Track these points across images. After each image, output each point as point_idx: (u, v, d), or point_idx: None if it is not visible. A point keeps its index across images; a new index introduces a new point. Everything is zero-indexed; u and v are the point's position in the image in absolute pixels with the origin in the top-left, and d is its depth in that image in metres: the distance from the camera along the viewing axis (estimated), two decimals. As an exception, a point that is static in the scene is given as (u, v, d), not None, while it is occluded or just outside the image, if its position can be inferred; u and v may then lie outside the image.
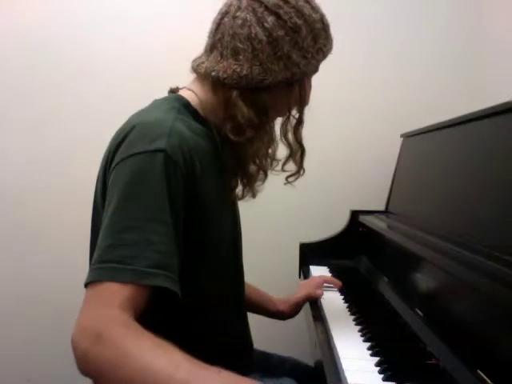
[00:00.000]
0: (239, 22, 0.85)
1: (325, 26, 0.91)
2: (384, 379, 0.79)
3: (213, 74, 0.87)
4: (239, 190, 0.98)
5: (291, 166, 0.98)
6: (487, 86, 1.74)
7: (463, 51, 1.86)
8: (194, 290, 0.84)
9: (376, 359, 0.86)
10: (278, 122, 0.97)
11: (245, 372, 0.68)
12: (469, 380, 0.73)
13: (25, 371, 1.91)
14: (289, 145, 0.95)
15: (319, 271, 1.52)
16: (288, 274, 1.71)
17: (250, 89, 0.86)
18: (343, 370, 0.82)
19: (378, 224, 1.45)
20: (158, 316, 0.75)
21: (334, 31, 0.94)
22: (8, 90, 1.88)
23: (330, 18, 0.93)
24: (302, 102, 0.93)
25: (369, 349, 0.92)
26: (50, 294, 1.88)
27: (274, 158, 0.97)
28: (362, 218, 1.62)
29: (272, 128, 0.94)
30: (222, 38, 0.87)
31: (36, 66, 1.87)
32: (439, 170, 1.24)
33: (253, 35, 0.84)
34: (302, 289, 1.29)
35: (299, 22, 0.85)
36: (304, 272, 1.58)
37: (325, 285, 1.32)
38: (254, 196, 1.00)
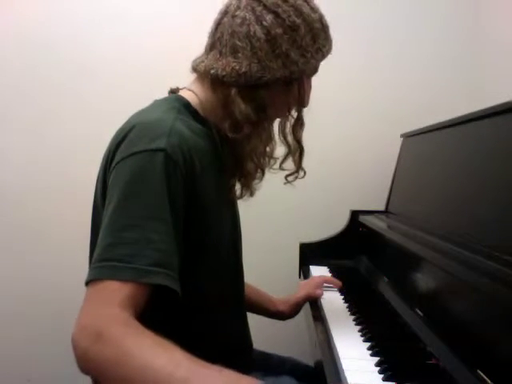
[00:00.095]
0: (238, 20, 0.86)
1: (324, 27, 0.91)
2: (384, 379, 0.79)
3: (212, 71, 0.87)
4: (237, 188, 0.98)
5: (291, 166, 0.98)
6: (486, 86, 1.74)
7: (462, 51, 1.86)
8: (194, 289, 0.84)
9: (376, 359, 0.86)
10: (278, 121, 0.97)
11: (245, 372, 0.67)
12: (469, 380, 0.73)
13: (25, 371, 1.91)
14: (287, 143, 0.96)
15: (319, 271, 1.52)
16: (288, 274, 1.71)
17: (249, 86, 0.86)
18: (343, 370, 0.82)
19: (378, 224, 1.45)
20: (158, 316, 0.75)
21: (334, 31, 0.94)
22: (8, 90, 1.88)
23: (329, 18, 0.93)
24: (301, 101, 0.93)
25: (369, 349, 0.92)
26: (49, 294, 1.88)
27: (271, 157, 0.97)
28: (362, 218, 1.62)
29: (270, 126, 0.94)
30: (221, 37, 0.88)
31: (36, 66, 1.87)
32: (439, 170, 1.24)
33: (251, 33, 0.85)
34: (301, 289, 1.29)
35: (298, 20, 0.86)
36: (304, 272, 1.58)
37: (325, 285, 1.32)
38: (251, 194, 1.00)
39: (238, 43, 0.85)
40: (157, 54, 1.84)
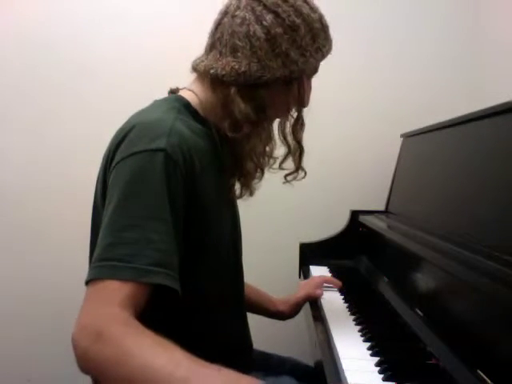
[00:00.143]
0: (238, 20, 0.86)
1: (324, 27, 0.91)
2: (384, 379, 0.79)
3: (211, 71, 0.87)
4: (237, 188, 0.98)
5: (291, 165, 0.98)
6: (486, 86, 1.74)
7: (462, 51, 1.86)
8: (194, 289, 0.84)
9: (376, 359, 0.86)
10: (277, 120, 0.97)
11: (244, 372, 0.67)
12: (469, 380, 0.73)
13: (25, 371, 1.91)
14: (287, 143, 0.96)
15: (319, 271, 1.52)
16: (288, 274, 1.71)
17: (248, 86, 0.86)
18: (343, 370, 0.82)
19: (378, 224, 1.45)
20: (158, 315, 0.75)
21: (334, 32, 0.94)
22: (8, 90, 1.88)
23: (329, 18, 0.93)
24: (301, 101, 0.93)
25: (369, 349, 0.92)
26: (49, 294, 1.88)
27: (271, 156, 0.97)
28: (362, 218, 1.62)
29: (270, 126, 0.94)
30: (221, 37, 0.88)
31: (36, 66, 1.87)
32: (439, 170, 1.24)
33: (251, 33, 0.85)
34: (301, 289, 1.29)
35: (297, 20, 0.86)
36: (304, 272, 1.58)
37: (325, 285, 1.32)
38: (251, 194, 1.00)
39: (238, 43, 0.85)
40: (157, 53, 1.84)
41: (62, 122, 1.89)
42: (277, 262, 1.87)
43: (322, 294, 1.26)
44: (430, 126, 1.38)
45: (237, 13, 0.87)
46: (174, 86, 0.97)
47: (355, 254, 1.67)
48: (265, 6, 0.86)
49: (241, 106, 0.85)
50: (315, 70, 0.95)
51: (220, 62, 0.87)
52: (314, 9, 0.90)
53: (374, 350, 0.90)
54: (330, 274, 1.50)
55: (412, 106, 1.84)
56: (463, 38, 1.86)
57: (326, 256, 1.66)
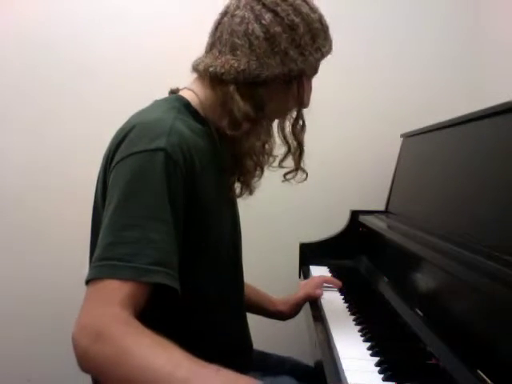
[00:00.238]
0: (237, 19, 0.87)
1: (323, 27, 0.91)
2: (384, 379, 0.79)
3: (210, 69, 0.87)
4: (237, 186, 0.98)
5: (291, 164, 0.98)
6: (486, 86, 1.74)
7: (462, 51, 1.86)
8: (194, 289, 0.84)
9: (376, 359, 0.86)
10: (278, 120, 0.97)
11: (244, 372, 0.67)
12: (469, 380, 0.73)
13: (25, 371, 1.91)
14: (286, 142, 0.96)
15: (319, 271, 1.52)
16: (288, 274, 1.71)
17: (247, 84, 0.86)
18: (343, 370, 0.82)
19: (378, 224, 1.45)
20: (157, 315, 0.75)
21: (334, 32, 0.94)
22: (8, 90, 1.88)
23: (329, 18, 0.93)
24: (301, 101, 0.93)
25: (369, 349, 0.92)
26: (49, 294, 1.88)
27: (271, 155, 0.97)
28: (362, 218, 1.62)
29: (269, 124, 0.94)
30: (220, 36, 0.89)
31: (36, 66, 1.87)
32: (439, 170, 1.24)
33: (250, 31, 0.85)
34: (301, 289, 1.29)
35: (297, 19, 0.86)
36: (304, 272, 1.58)
37: (325, 285, 1.32)
38: (251, 193, 1.00)
39: (237, 41, 0.86)
40: (157, 53, 1.84)
41: (62, 122, 1.89)
42: (277, 262, 1.87)
43: (321, 294, 1.26)
44: (430, 126, 1.38)
45: (236, 12, 0.88)
46: (174, 86, 0.97)
47: (355, 253, 1.66)
48: (264, 5, 0.86)
49: (240, 104, 0.86)
50: (315, 71, 0.95)
51: (219, 61, 0.87)
52: (313, 9, 0.90)
53: (374, 350, 0.90)
54: (329, 274, 1.50)
55: (412, 105, 1.84)
56: (463, 38, 1.86)
57: (326, 256, 1.66)
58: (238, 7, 0.88)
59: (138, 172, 0.76)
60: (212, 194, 0.87)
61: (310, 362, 1.15)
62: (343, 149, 1.89)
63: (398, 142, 1.70)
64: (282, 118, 0.96)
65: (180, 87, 0.96)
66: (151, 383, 0.62)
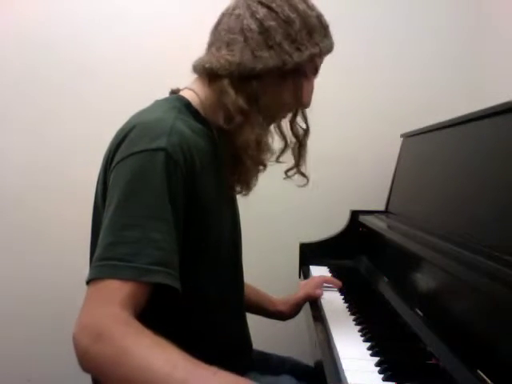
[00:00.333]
0: (234, 17, 0.89)
1: (322, 24, 0.91)
2: (384, 379, 0.79)
3: (207, 66, 0.88)
4: (236, 185, 0.98)
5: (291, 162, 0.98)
6: (486, 86, 1.74)
7: (462, 51, 1.86)
8: (194, 289, 0.84)
9: (376, 359, 0.86)
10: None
11: (244, 372, 0.68)
12: (469, 380, 0.73)
13: (25, 371, 1.91)
14: (283, 138, 0.96)
15: (319, 271, 1.52)
16: (288, 274, 1.71)
17: (242, 77, 0.86)
18: (343, 370, 0.82)
19: (378, 224, 1.45)
20: (158, 316, 0.75)
21: (334, 32, 0.94)
22: (8, 90, 1.88)
23: (329, 18, 0.93)
24: (298, 99, 0.92)
25: (369, 349, 0.92)
26: (50, 294, 1.88)
27: (269, 151, 0.95)
28: (362, 218, 1.62)
29: (266, 120, 0.93)
30: (218, 35, 0.90)
31: (36, 66, 1.87)
32: (439, 170, 1.24)
33: (245, 26, 0.87)
34: (301, 289, 1.29)
35: (292, 15, 0.87)
36: (304, 272, 1.58)
37: (325, 285, 1.32)
38: (249, 189, 0.99)
39: (233, 37, 0.87)
40: (157, 53, 1.84)
41: (62, 122, 1.89)
42: (277, 262, 1.87)
43: (321, 294, 1.26)
44: (430, 126, 1.38)
45: (234, 11, 0.90)
46: (174, 86, 0.97)
47: (355, 253, 1.66)
48: (260, 2, 0.88)
49: (232, 97, 0.86)
50: (315, 70, 0.94)
51: (215, 57, 0.88)
52: (311, 7, 0.91)
53: (374, 350, 0.90)
54: (329, 274, 1.50)
55: (412, 105, 1.84)
56: (463, 38, 1.86)
57: (326, 256, 1.66)
58: (236, 7, 0.90)
59: (138, 172, 0.76)
60: (212, 193, 0.87)
61: (310, 362, 1.15)
62: (343, 149, 1.89)
63: (398, 142, 1.70)
64: (280, 114, 0.96)
65: (180, 87, 0.97)
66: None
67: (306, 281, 1.39)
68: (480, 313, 0.80)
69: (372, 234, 1.49)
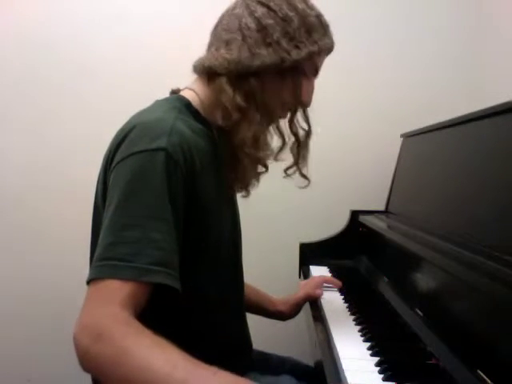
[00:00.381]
0: (233, 17, 0.90)
1: (322, 23, 0.91)
2: (384, 379, 0.79)
3: (206, 64, 0.89)
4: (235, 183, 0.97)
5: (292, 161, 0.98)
6: (486, 86, 1.74)
7: (462, 51, 1.86)
8: (194, 289, 0.84)
9: (376, 359, 0.86)
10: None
11: (244, 372, 0.68)
12: (469, 380, 0.73)
13: (25, 371, 1.91)
14: (281, 135, 0.96)
15: (319, 271, 1.52)
16: (288, 274, 1.71)
17: (240, 74, 0.87)
18: (343, 370, 0.82)
19: (378, 224, 1.45)
20: (158, 316, 0.75)
21: (334, 32, 0.94)
22: (8, 90, 1.88)
23: (329, 18, 0.93)
24: (297, 97, 0.92)
25: (369, 349, 0.92)
26: (50, 294, 1.88)
27: (266, 149, 0.94)
28: (362, 218, 1.62)
29: (263, 117, 0.91)
30: (217, 35, 0.91)
31: (36, 66, 1.87)
32: (439, 170, 1.24)
33: (243, 25, 0.87)
34: (301, 289, 1.29)
35: (291, 13, 0.87)
36: (304, 272, 1.58)
37: (325, 285, 1.32)
38: (247, 187, 0.99)
39: (231, 35, 0.88)
40: (157, 53, 1.84)
41: (62, 122, 1.89)
42: (277, 262, 1.87)
43: (321, 294, 1.26)
44: (430, 126, 1.38)
45: (233, 11, 0.91)
46: (174, 86, 0.97)
47: (355, 253, 1.66)
48: (258, 1, 0.89)
49: (230, 95, 0.86)
50: (315, 70, 0.94)
51: (214, 56, 0.88)
52: (310, 7, 0.91)
53: (374, 350, 0.90)
54: (329, 274, 1.50)
55: (412, 105, 1.84)
56: (464, 38, 1.86)
57: (326, 256, 1.66)
58: (235, 7, 0.91)
59: (138, 172, 0.76)
60: (212, 193, 0.87)
61: (310, 362, 1.15)
62: (343, 148, 1.89)
63: (398, 142, 1.70)
64: (280, 113, 0.95)
65: (180, 87, 0.97)
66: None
67: (305, 281, 1.39)
68: (480, 313, 0.80)
69: (372, 234, 1.49)
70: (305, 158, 1.00)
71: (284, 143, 0.97)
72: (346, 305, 1.21)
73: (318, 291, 1.26)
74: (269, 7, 0.88)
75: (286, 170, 0.99)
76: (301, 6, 0.89)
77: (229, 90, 0.86)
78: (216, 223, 0.89)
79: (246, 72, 0.86)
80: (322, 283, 1.31)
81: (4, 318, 1.89)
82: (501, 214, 0.86)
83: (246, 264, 1.04)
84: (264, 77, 0.88)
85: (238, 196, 1.03)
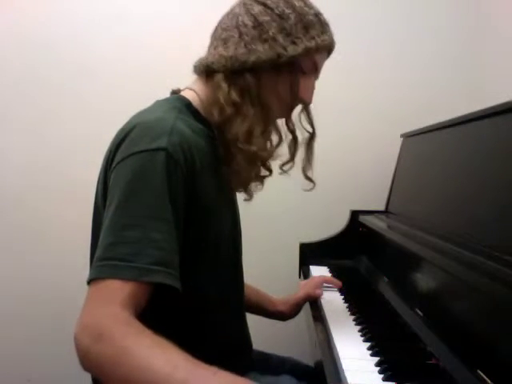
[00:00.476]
0: (231, 16, 0.91)
1: (320, 21, 0.91)
2: (384, 379, 0.79)
3: (203, 62, 0.90)
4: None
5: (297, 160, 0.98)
6: (486, 86, 1.74)
7: (462, 51, 1.86)
8: (194, 289, 0.84)
9: (376, 359, 0.86)
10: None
11: (244, 372, 0.68)
12: (469, 380, 0.73)
13: (25, 371, 1.91)
14: (278, 132, 0.96)
15: (319, 271, 1.52)
16: (288, 274, 1.71)
17: (236, 71, 0.87)
18: (343, 370, 0.82)
19: (378, 224, 1.45)
20: (158, 316, 0.75)
21: (334, 32, 0.94)
22: (8, 90, 1.88)
23: (330, 18, 0.93)
24: (294, 95, 0.91)
25: (369, 349, 0.92)
26: (50, 294, 1.88)
27: (261, 145, 0.91)
28: (362, 218, 1.62)
29: (258, 113, 0.90)
30: (217, 35, 0.92)
31: (36, 66, 1.87)
32: (439, 170, 1.24)
33: (240, 23, 0.88)
34: (301, 289, 1.29)
35: (287, 10, 0.88)
36: (304, 272, 1.58)
37: (325, 285, 1.32)
38: (244, 187, 0.98)
39: (229, 34, 0.89)
40: (157, 53, 1.84)
41: (62, 122, 1.89)
42: (277, 262, 1.87)
43: (321, 294, 1.26)
44: (430, 126, 1.38)
45: (232, 11, 0.92)
46: (173, 86, 0.98)
47: (355, 253, 1.67)
48: (256, 0, 0.90)
49: (225, 90, 0.86)
50: (314, 67, 0.93)
51: (212, 54, 0.90)
52: (309, 5, 0.91)
53: (374, 350, 0.90)
54: (329, 274, 1.50)
55: (412, 105, 1.84)
56: (463, 38, 1.86)
57: (326, 256, 1.66)
58: (234, 7, 0.92)
59: (138, 172, 0.76)
60: (212, 193, 0.87)
61: (310, 362, 1.15)
62: (343, 148, 1.89)
63: (398, 142, 1.70)
64: (278, 110, 0.94)
65: (181, 87, 0.97)
66: None
67: (305, 281, 1.39)
68: (480, 313, 0.80)
69: (372, 234, 1.49)
70: (310, 161, 1.00)
71: (280, 140, 0.97)
72: (346, 305, 1.21)
73: (317, 291, 1.26)
74: (265, 5, 0.88)
75: (281, 167, 0.99)
76: (298, 4, 0.89)
77: (224, 85, 0.87)
78: (216, 223, 0.89)
79: (242, 68, 0.87)
80: (321, 283, 1.31)
81: (4, 317, 1.89)
82: (501, 214, 0.86)
83: (245, 264, 1.04)
84: (260, 73, 0.88)
85: (240, 198, 1.03)
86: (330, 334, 1.00)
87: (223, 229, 0.93)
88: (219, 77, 0.87)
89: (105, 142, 0.88)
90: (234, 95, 0.86)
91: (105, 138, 0.90)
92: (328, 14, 0.93)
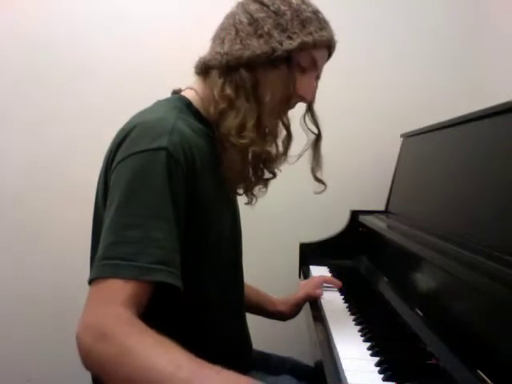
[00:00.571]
0: (229, 15, 0.93)
1: (318, 18, 0.91)
2: (384, 379, 0.79)
3: (201, 61, 0.91)
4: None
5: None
6: (486, 86, 1.74)
7: (462, 51, 1.86)
8: (194, 289, 0.84)
9: (376, 359, 0.86)
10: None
11: (244, 372, 0.68)
12: (469, 380, 0.73)
13: (25, 371, 1.91)
14: (287, 130, 0.96)
15: (319, 271, 1.52)
16: (288, 274, 1.71)
17: (231, 66, 0.87)
18: (343, 370, 0.82)
19: (378, 224, 1.45)
20: (158, 315, 0.75)
21: (335, 31, 0.94)
22: (8, 90, 1.88)
23: (329, 18, 0.93)
24: (290, 91, 0.91)
25: (369, 349, 0.92)
26: (50, 294, 1.88)
27: (257, 139, 0.90)
28: (362, 218, 1.62)
29: (253, 108, 0.88)
30: (216, 35, 0.94)
31: (36, 66, 1.87)
32: (439, 170, 1.24)
33: (237, 21, 0.89)
34: (301, 289, 1.29)
35: (283, 7, 0.88)
36: (304, 272, 1.58)
37: (325, 285, 1.32)
38: (241, 183, 0.97)
39: (226, 32, 0.90)
40: (157, 53, 1.84)
41: (62, 122, 1.89)
42: (277, 262, 1.87)
43: (321, 294, 1.26)
44: (430, 126, 1.38)
45: (231, 11, 0.93)
46: (174, 86, 0.98)
47: (355, 253, 1.67)
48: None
49: (219, 85, 0.87)
50: (313, 64, 0.92)
51: (209, 52, 0.91)
52: (307, 3, 0.91)
53: (374, 350, 0.90)
54: (329, 274, 1.50)
55: (412, 105, 1.84)
56: (463, 38, 1.86)
57: (326, 256, 1.66)
58: (233, 8, 0.93)
59: (139, 171, 0.76)
60: (212, 193, 0.87)
61: (310, 362, 1.15)
62: (343, 149, 1.88)
63: (398, 142, 1.70)
64: (275, 106, 0.91)
65: (181, 87, 0.97)
66: (153, 383, 0.62)
67: (305, 281, 1.39)
68: (480, 313, 0.80)
69: (372, 234, 1.49)
70: (318, 163, 1.00)
71: (289, 139, 0.97)
72: (346, 305, 1.21)
73: (317, 291, 1.26)
74: (262, 3, 0.89)
75: (273, 161, 0.97)
76: (295, 1, 0.90)
77: (219, 81, 0.87)
78: (216, 223, 0.89)
79: (238, 63, 0.87)
80: (321, 283, 1.31)
81: (4, 317, 1.89)
82: (501, 214, 0.86)
83: (245, 264, 1.04)
84: (256, 68, 0.88)
85: (240, 199, 1.03)
86: (330, 334, 1.00)
87: (223, 229, 0.93)
88: (214, 73, 0.89)
89: (105, 142, 0.88)
90: (228, 90, 0.87)
91: (105, 138, 0.90)
92: (328, 15, 0.93)
